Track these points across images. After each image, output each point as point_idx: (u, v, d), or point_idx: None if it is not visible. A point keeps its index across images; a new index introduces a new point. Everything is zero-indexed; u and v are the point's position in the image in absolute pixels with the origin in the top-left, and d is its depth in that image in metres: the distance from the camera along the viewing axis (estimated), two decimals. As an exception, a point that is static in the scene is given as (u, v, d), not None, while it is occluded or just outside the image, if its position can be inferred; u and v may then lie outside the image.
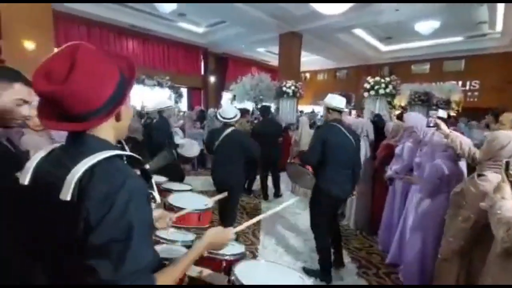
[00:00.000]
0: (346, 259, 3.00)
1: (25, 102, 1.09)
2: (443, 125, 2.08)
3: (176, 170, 4.06)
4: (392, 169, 2.96)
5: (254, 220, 1.21)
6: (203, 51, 12.58)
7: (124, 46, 10.09)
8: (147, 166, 0.86)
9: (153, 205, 1.65)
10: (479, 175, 1.71)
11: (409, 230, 2.49)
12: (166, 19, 9.47)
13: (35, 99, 0.94)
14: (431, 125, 2.16)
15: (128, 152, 0.76)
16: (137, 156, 0.81)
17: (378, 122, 4.10)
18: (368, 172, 3.54)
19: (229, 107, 3.15)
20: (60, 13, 7.82)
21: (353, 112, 8.65)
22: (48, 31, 5.72)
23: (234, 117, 2.97)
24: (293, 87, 8.02)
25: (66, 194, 0.61)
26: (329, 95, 2.56)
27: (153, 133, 3.96)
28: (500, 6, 7.76)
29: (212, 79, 13.13)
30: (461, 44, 10.92)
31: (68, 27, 8.58)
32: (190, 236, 1.64)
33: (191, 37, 11.11)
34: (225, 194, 1.89)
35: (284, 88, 8.11)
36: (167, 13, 8.28)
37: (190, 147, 4.21)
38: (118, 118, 0.74)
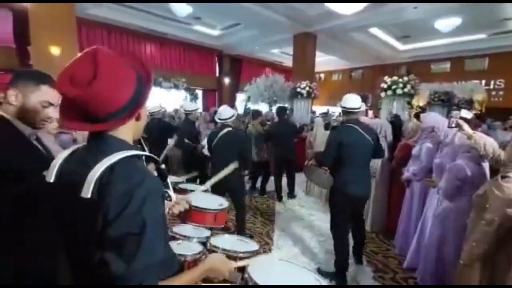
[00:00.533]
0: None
1: (51, 104, 1.14)
2: (465, 126, 2.01)
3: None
4: (409, 170, 2.89)
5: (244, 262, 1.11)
6: (218, 53, 12.74)
7: (142, 49, 10.39)
8: (163, 166, 0.89)
9: (169, 202, 1.68)
10: (503, 177, 1.64)
11: (428, 233, 2.41)
12: (182, 22, 9.66)
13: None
14: (453, 125, 2.08)
15: (146, 153, 0.79)
16: (154, 156, 0.84)
17: (396, 123, 4.01)
18: (385, 174, 3.47)
19: (226, 108, 3.16)
20: (82, 19, 8.16)
21: (370, 112, 8.46)
22: (73, 37, 5.99)
23: (230, 117, 2.99)
24: (307, 88, 7.96)
25: (87, 192, 0.65)
26: (345, 96, 2.55)
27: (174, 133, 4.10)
28: (528, 1, 7.37)
29: (226, 80, 13.27)
30: (484, 42, 10.43)
31: (90, 33, 8.96)
32: (206, 233, 1.68)
33: (206, 40, 11.28)
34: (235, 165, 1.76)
35: (298, 89, 8.07)
36: (183, 17, 8.45)
37: None
38: (138, 118, 0.78)
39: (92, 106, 0.68)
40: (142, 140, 1.49)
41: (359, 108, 2.50)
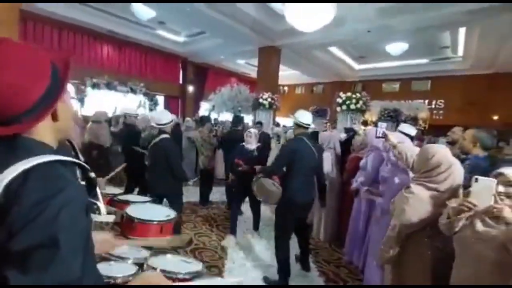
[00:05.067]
0: (314, 272, 2.99)
1: None
2: (390, 136, 2.18)
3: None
4: (357, 181, 3.02)
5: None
6: (182, 60, 12.49)
7: (98, 50, 9.77)
8: (93, 175, 0.80)
9: (107, 217, 1.50)
10: (407, 187, 1.74)
11: (371, 244, 2.52)
12: (145, 26, 9.35)
13: None
14: (380, 135, 2.25)
15: (70, 158, 0.70)
16: (82, 163, 0.75)
17: (351, 136, 4.17)
18: (335, 185, 3.59)
19: (163, 112, 3.14)
20: (29, 13, 7.46)
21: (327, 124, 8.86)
22: (13, 31, 5.40)
23: (168, 123, 2.96)
24: (269, 99, 8.11)
25: None
26: (299, 111, 2.76)
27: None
28: (461, 32, 8.45)
29: (190, 88, 13.01)
30: (427, 66, 11.72)
31: (38, 29, 8.18)
32: (144, 253, 1.54)
33: (170, 46, 11.02)
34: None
35: (260, 100, 8.19)
36: (146, 20, 8.18)
37: None
38: (55, 118, 0.69)
39: None
40: (73, 144, 1.33)
41: (310, 124, 2.74)
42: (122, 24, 9.13)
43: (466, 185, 1.56)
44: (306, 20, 5.99)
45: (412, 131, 3.27)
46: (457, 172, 1.58)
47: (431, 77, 12.52)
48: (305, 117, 2.69)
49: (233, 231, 3.57)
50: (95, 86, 8.66)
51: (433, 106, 12.70)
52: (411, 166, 1.92)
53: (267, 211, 4.71)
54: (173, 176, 2.90)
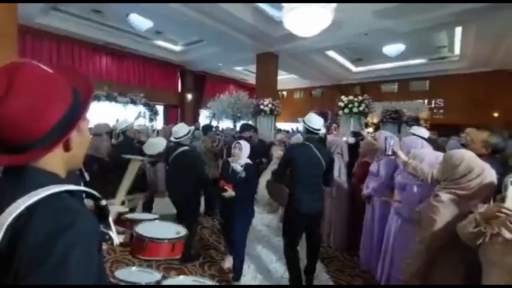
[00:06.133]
0: (329, 282, 2.90)
1: None
2: (400, 153, 2.12)
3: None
4: (368, 187, 2.95)
5: None
6: (180, 69, 12.50)
7: (97, 62, 9.77)
8: (104, 202, 0.74)
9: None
10: (435, 196, 1.67)
11: (393, 253, 2.43)
12: (143, 37, 9.36)
13: None
14: (389, 153, 2.19)
15: (79, 187, 0.65)
16: (91, 191, 0.70)
17: (361, 140, 4.09)
18: (344, 191, 3.52)
19: (181, 126, 3.19)
20: (27, 27, 7.46)
21: (333, 126, 8.81)
22: (12, 45, 5.37)
23: (184, 136, 3.04)
24: (270, 105, 8.08)
25: None
26: (309, 115, 2.60)
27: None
28: (458, 32, 8.49)
29: (189, 96, 13.00)
30: (424, 66, 11.75)
31: (37, 43, 8.17)
32: (157, 276, 1.47)
33: (168, 55, 11.04)
34: None
35: (261, 106, 8.16)
36: (143, 31, 8.18)
37: None
38: (67, 148, 0.63)
39: (6, 132, 0.55)
40: (81, 169, 1.26)
41: (320, 129, 2.57)
42: (119, 36, 9.14)
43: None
44: (304, 25, 5.99)
45: (425, 133, 3.22)
46: (490, 176, 1.51)
47: (429, 77, 12.54)
48: (314, 121, 2.53)
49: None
50: (95, 98, 8.61)
51: (432, 105, 12.70)
52: (429, 180, 1.84)
53: (275, 220, 4.64)
54: (192, 188, 2.99)
